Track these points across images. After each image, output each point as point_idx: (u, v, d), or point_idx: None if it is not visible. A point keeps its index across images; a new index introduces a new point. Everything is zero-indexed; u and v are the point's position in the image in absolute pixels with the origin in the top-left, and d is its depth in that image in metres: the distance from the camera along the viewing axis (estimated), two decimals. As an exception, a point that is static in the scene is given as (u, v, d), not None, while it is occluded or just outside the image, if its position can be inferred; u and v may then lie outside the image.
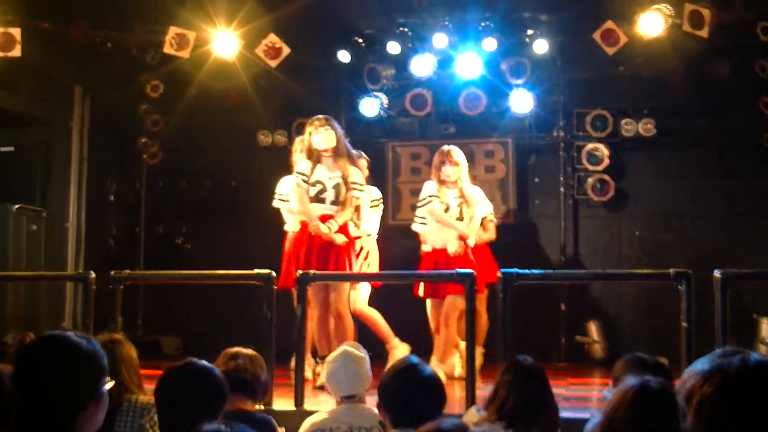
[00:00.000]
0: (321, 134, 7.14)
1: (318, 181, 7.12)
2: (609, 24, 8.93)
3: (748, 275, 6.10)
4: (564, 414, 5.39)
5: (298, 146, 7.59)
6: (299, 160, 7.37)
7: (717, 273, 5.57)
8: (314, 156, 7.17)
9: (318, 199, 7.10)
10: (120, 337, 4.30)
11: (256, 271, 7.03)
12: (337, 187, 7.10)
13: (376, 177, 8.75)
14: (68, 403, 2.30)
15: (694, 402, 2.13)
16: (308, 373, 7.18)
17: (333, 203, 7.10)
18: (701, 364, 2.16)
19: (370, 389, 4.45)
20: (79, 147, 10.46)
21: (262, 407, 4.58)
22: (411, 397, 3.48)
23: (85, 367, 2.34)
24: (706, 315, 5.55)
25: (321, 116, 7.28)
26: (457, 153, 7.67)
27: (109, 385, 2.43)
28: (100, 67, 10.20)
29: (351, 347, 4.69)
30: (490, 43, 9.73)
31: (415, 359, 3.69)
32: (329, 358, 4.66)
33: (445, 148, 7.74)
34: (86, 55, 9.94)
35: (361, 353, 4.67)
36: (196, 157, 10.84)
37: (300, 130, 10.40)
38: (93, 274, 6.56)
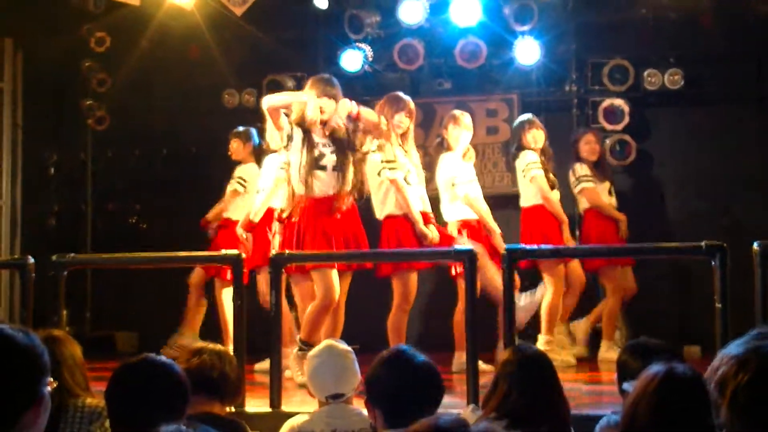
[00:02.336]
0: (323, 102, 7.19)
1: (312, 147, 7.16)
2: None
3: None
4: (581, 411, 5.45)
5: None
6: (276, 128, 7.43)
7: (756, 245, 5.61)
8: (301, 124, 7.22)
9: (318, 166, 7.13)
10: (60, 333, 4.30)
11: (223, 252, 7.04)
12: (336, 152, 7.16)
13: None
14: (2, 407, 2.29)
15: (728, 392, 2.13)
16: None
17: (335, 169, 7.14)
18: (734, 348, 2.17)
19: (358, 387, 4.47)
20: (11, 111, 10.38)
21: (233, 410, 4.60)
22: (403, 388, 3.49)
23: (22, 365, 2.33)
24: (747, 295, 5.58)
25: (326, 77, 7.38)
26: (413, 105, 7.79)
27: (51, 386, 2.42)
28: (34, 17, 10.12)
29: (335, 341, 4.74)
30: (491, -16, 9.75)
31: (404, 347, 3.71)
32: (311, 353, 4.70)
33: (404, 96, 7.79)
34: (17, 2, 9.87)
35: (347, 347, 4.71)
36: (150, 122, 10.79)
37: (271, 88, 10.41)
38: (32, 260, 6.53)
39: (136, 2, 9.26)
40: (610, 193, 8.96)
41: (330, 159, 7.15)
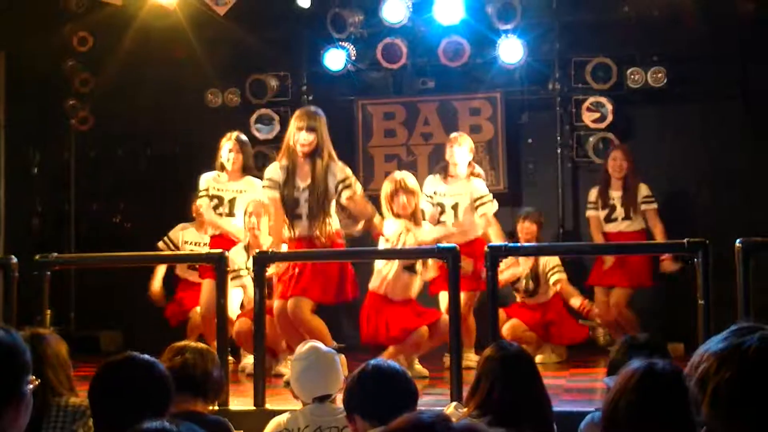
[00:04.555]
0: (303, 135, 7.28)
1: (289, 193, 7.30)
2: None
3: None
4: (564, 408, 5.48)
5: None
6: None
7: (739, 242, 5.63)
8: (289, 155, 7.37)
9: (293, 215, 7.24)
10: (45, 331, 4.29)
11: (207, 251, 7.03)
12: (312, 196, 7.23)
13: (344, 141, 8.76)
14: (-18, 406, 2.28)
15: (709, 388, 2.13)
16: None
17: (309, 217, 7.23)
18: (714, 344, 2.16)
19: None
20: (-6, 111, 10.38)
21: (216, 408, 4.60)
22: (380, 397, 3.66)
23: (3, 363, 2.33)
24: (731, 293, 5.61)
25: (309, 109, 7.49)
26: (411, 180, 7.87)
27: (33, 383, 2.42)
28: (16, 16, 10.09)
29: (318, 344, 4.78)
30: (474, -17, 9.76)
31: (373, 360, 3.91)
32: (296, 355, 4.71)
33: (397, 176, 7.85)
34: (-1, 2, 9.85)
35: (330, 349, 4.75)
36: (133, 122, 10.76)
37: (255, 88, 10.42)
38: (15, 259, 6.52)
39: (119, 2, 9.24)
40: (629, 217, 8.95)
41: (304, 207, 7.28)
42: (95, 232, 10.94)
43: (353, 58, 10.34)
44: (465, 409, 4.02)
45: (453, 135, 8.59)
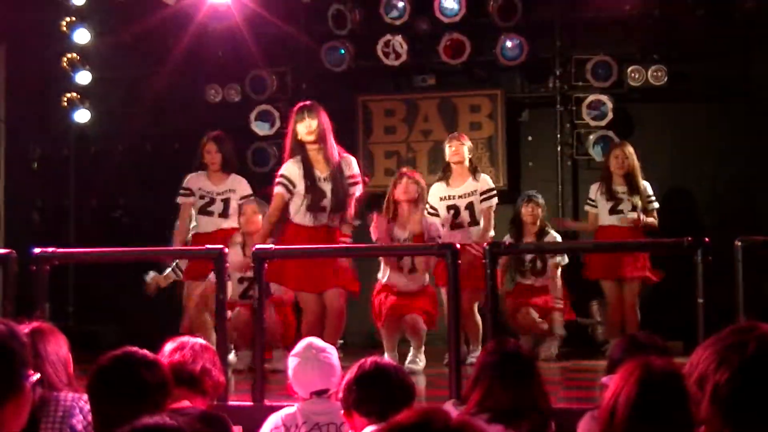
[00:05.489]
0: (306, 123, 7.38)
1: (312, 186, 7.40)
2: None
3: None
4: (564, 405, 5.48)
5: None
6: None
7: (738, 241, 5.64)
8: (300, 150, 7.47)
9: (317, 207, 7.34)
10: (45, 326, 4.29)
11: (207, 247, 7.03)
12: (335, 186, 7.37)
13: (344, 137, 8.73)
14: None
15: (708, 387, 2.13)
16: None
17: (333, 210, 7.33)
18: (713, 344, 2.17)
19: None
20: (-6, 106, 10.37)
21: (215, 403, 4.60)
22: (379, 394, 3.71)
23: (3, 357, 2.33)
24: (730, 291, 5.62)
25: (304, 103, 7.59)
26: (418, 176, 8.11)
27: (34, 378, 2.42)
28: (15, 10, 10.07)
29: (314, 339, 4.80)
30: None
31: (373, 358, 3.96)
32: (293, 351, 4.72)
33: (404, 169, 8.20)
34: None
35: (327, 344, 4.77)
36: (133, 117, 10.76)
37: (255, 84, 10.43)
38: (14, 254, 6.51)
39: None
40: (635, 209, 8.91)
41: (329, 199, 7.41)
42: (94, 227, 10.94)
43: (353, 54, 10.33)
44: (463, 407, 4.03)
45: (452, 135, 8.73)
